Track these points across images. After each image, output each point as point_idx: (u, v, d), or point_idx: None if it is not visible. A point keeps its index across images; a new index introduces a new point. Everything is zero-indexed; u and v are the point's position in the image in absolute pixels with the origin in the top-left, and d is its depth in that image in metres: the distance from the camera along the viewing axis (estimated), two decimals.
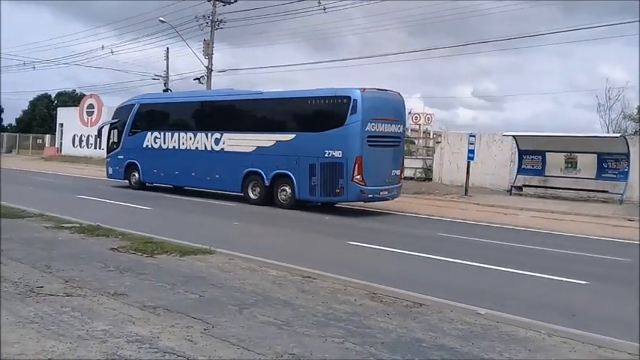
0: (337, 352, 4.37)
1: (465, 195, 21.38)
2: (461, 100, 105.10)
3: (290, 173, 15.69)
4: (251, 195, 16.76)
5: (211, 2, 34.27)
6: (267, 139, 16.31)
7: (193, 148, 18.38)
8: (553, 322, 5.57)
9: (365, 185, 14.63)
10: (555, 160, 22.36)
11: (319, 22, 64.83)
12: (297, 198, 15.69)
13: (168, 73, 37.94)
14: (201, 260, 7.72)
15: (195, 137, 18.30)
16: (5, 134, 58.14)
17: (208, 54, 35.11)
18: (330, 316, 5.39)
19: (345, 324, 5.14)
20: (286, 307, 5.61)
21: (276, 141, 16.08)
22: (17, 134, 56.17)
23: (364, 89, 14.74)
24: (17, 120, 63.87)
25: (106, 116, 34.05)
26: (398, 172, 15.96)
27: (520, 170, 23.21)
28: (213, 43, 35.20)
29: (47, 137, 50.76)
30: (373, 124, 14.77)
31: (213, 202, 17.26)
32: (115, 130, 21.22)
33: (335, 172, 14.74)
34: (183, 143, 18.70)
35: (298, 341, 4.58)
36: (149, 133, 19.83)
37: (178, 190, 19.53)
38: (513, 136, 23.42)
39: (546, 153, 22.56)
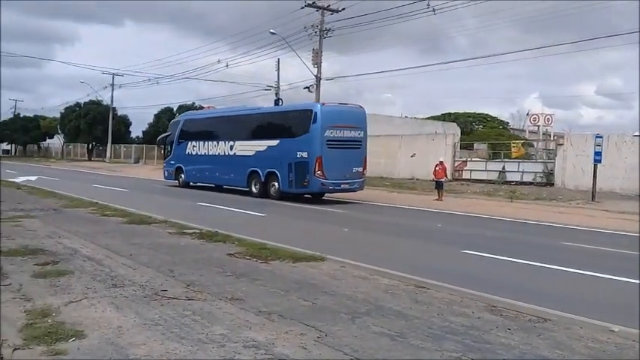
0: None
1: (592, 201, 19.88)
2: (583, 98, 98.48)
3: (276, 171, 19.72)
4: (253, 190, 20.84)
5: (320, 12, 34.92)
6: (261, 145, 20.68)
7: (217, 153, 23.14)
8: None
9: (325, 179, 18.46)
10: None
11: (427, 25, 63.57)
12: (281, 191, 19.55)
13: (279, 83, 39.19)
14: (313, 267, 7.77)
15: (217, 145, 23.15)
16: (133, 146, 63.19)
17: (317, 63, 35.76)
18: (446, 328, 5.17)
19: (463, 338, 4.89)
20: (399, 317, 5.46)
21: (267, 146, 20.37)
22: (144, 145, 60.66)
23: (324, 103, 19.54)
24: (144, 132, 68.72)
25: None
26: (360, 169, 19.50)
27: None
28: (321, 52, 35.82)
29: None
30: (332, 130, 18.56)
31: (318, 207, 17.46)
32: (168, 141, 26.79)
33: (303, 169, 18.67)
34: (210, 150, 23.56)
35: (413, 354, 4.42)
36: (190, 143, 25.00)
37: (217, 188, 23.48)
38: None
39: None
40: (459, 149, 34.50)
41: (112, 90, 61.01)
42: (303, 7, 34.26)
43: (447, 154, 29.79)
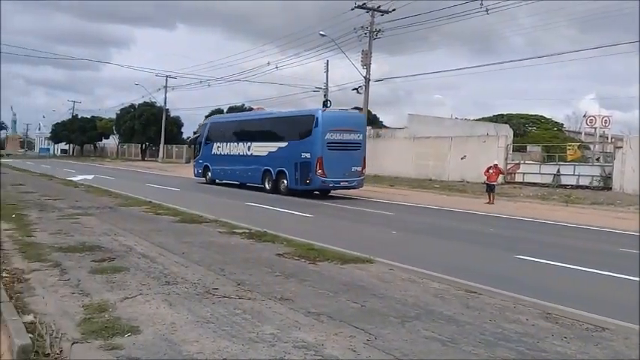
0: None
1: None
2: None
3: (285, 170, 21.71)
4: (266, 186, 22.77)
5: (370, 13, 34.79)
6: (273, 146, 22.84)
7: (237, 153, 25.30)
8: None
9: (325, 177, 20.39)
10: None
11: (480, 25, 62.32)
12: (289, 188, 21.56)
13: (327, 85, 39.28)
14: (361, 269, 7.73)
15: (237, 146, 25.39)
16: (185, 146, 64.63)
17: (366, 64, 35.63)
18: (499, 335, 5.04)
19: (517, 345, 4.76)
20: (450, 322, 5.36)
21: (278, 147, 22.51)
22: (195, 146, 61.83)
23: (325, 109, 21.64)
24: (195, 133, 70.06)
25: None
26: (359, 169, 21.36)
27: None
28: (371, 53, 35.67)
29: None
30: (332, 133, 20.49)
31: (366, 209, 17.38)
32: (198, 142, 29.38)
33: (306, 168, 20.65)
34: (232, 150, 25.79)
35: None
36: (215, 144, 27.33)
37: (243, 186, 25.51)
38: None
39: None
40: (511, 151, 33.66)
41: (165, 92, 62.70)
42: (353, 9, 34.23)
43: (500, 157, 29.07)
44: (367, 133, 32.91)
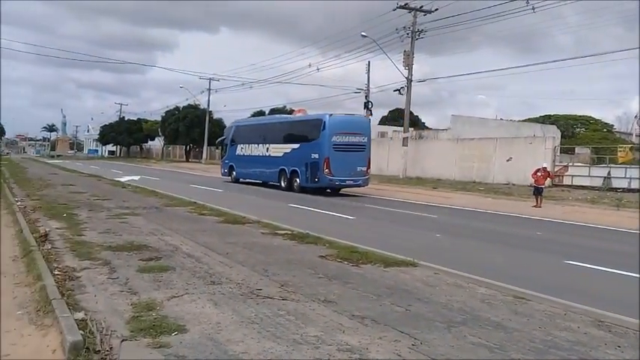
0: None
1: None
2: None
3: (297, 169, 23.60)
4: (282, 184, 24.65)
5: (412, 13, 34.49)
6: (287, 147, 24.71)
7: (257, 154, 27.21)
8: None
9: (332, 176, 22.10)
10: None
11: (524, 24, 60.89)
12: (301, 186, 23.41)
13: (369, 86, 39.08)
14: (405, 272, 7.64)
15: (258, 147, 27.26)
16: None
17: (408, 65, 35.35)
18: (549, 343, 4.88)
19: (569, 354, 4.61)
20: (498, 329, 5.23)
21: (292, 148, 24.39)
22: None
23: (331, 114, 23.02)
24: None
25: None
26: (364, 169, 22.93)
27: None
28: (413, 54, 35.35)
29: None
30: (338, 136, 22.30)
31: (409, 212, 17.19)
32: (224, 144, 31.32)
33: (315, 168, 22.44)
34: (253, 151, 27.72)
35: None
36: (239, 145, 29.37)
37: (264, 184, 27.30)
38: None
39: None
40: (559, 153, 32.75)
41: (209, 94, 63.83)
42: (395, 9, 34.03)
43: (547, 158, 28.31)
44: (410, 135, 35.29)
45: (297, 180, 23.70)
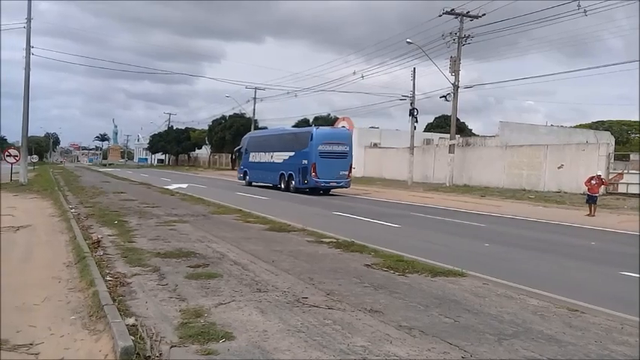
0: None
1: None
2: None
3: (292, 173, 28.21)
4: (282, 186, 29.10)
5: (458, 19, 34.05)
6: (285, 155, 29.39)
7: (264, 161, 31.87)
8: None
9: (318, 179, 26.56)
10: None
11: (573, 27, 59.23)
12: (295, 187, 27.84)
13: (414, 92, 38.66)
14: (453, 282, 7.49)
15: (265, 155, 31.88)
16: None
17: (455, 71, 34.86)
18: (605, 357, 4.70)
19: None
20: (551, 342, 5.04)
21: (289, 155, 29.04)
22: None
23: (318, 127, 31.23)
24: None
25: (356, 137, 38.61)
26: (345, 172, 27.36)
27: None
28: (460, 60, 34.85)
29: None
30: (323, 145, 26.96)
31: (457, 220, 16.87)
32: (240, 152, 35.92)
33: (305, 172, 26.99)
34: (261, 159, 32.40)
35: None
36: (251, 154, 34.03)
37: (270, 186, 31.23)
38: None
39: None
40: (613, 160, 31.55)
41: (254, 103, 64.53)
42: (441, 15, 33.67)
43: (601, 166, 27.32)
44: (457, 142, 36.35)
45: (293, 182, 28.20)
